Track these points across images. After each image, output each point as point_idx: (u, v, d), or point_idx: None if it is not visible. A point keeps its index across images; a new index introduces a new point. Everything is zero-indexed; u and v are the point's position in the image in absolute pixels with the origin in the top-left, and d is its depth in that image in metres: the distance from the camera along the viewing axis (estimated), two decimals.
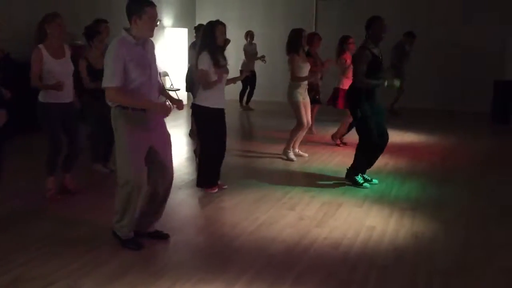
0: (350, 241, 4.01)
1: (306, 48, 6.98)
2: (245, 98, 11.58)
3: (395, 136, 8.19)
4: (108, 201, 4.68)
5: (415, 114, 11.09)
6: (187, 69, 8.28)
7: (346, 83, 7.14)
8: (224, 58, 5.13)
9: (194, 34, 8.47)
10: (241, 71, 5.45)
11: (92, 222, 4.33)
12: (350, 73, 6.70)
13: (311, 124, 8.40)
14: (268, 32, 12.44)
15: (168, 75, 12.09)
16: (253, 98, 11.64)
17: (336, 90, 7.50)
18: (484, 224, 4.52)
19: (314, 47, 7.50)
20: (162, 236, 4.01)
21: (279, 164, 6.54)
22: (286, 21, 12.09)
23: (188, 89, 7.79)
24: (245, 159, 6.86)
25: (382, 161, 6.45)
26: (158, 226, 4.05)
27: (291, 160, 6.63)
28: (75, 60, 5.05)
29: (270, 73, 12.01)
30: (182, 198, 5.07)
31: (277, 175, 5.99)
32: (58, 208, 4.69)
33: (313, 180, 5.76)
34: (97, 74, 5.32)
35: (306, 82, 6.56)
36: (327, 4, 12.39)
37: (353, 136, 7.61)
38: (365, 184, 5.43)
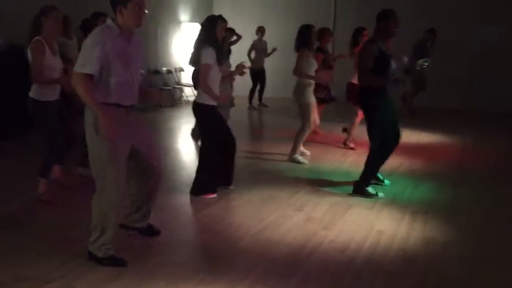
0: (357, 245, 3.88)
1: (316, 45, 6.83)
2: (256, 95, 11.40)
3: (411, 136, 8.02)
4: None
5: (433, 113, 10.84)
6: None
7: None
8: (227, 55, 4.98)
9: None
10: (237, 66, 5.20)
11: (86, 222, 4.09)
12: None
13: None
14: (284, 28, 12.27)
15: (183, 71, 12.05)
16: (264, 95, 11.44)
17: (350, 85, 7.24)
18: (499, 230, 4.34)
19: (325, 43, 7.29)
20: (153, 233, 3.88)
21: (289, 164, 6.41)
22: (303, 17, 11.82)
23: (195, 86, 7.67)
24: (254, 158, 6.74)
25: (397, 162, 6.30)
26: (158, 225, 3.97)
27: (302, 163, 6.39)
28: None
29: (282, 70, 11.77)
30: (187, 198, 4.97)
31: (286, 175, 5.87)
32: (53, 208, 4.56)
33: (323, 181, 5.63)
34: None
35: (313, 81, 6.34)
36: None
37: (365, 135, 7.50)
38: (380, 194, 5.07)
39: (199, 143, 6.31)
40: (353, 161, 6.47)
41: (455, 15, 11.37)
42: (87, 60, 3.17)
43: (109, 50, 3.20)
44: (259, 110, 11.16)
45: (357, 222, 4.38)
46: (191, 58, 4.96)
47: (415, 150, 7.14)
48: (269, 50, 10.96)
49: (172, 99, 11.35)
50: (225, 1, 13.27)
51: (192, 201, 4.87)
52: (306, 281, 3.31)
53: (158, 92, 3.59)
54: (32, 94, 4.49)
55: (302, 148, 6.72)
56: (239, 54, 10.19)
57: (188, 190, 5.02)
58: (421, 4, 11.50)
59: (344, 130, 7.41)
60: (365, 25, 7.16)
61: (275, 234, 4.07)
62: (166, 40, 11.85)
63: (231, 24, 9.40)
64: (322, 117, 7.88)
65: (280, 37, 11.74)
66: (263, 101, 11.42)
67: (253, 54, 10.97)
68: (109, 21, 3.31)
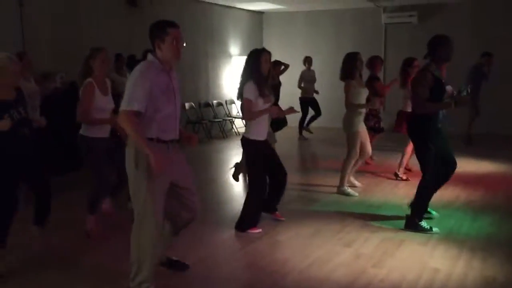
0: (409, 285, 3.65)
1: (368, 73, 6.75)
2: (305, 121, 11.25)
3: (470, 165, 7.63)
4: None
5: (493, 141, 10.32)
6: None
7: (410, 107, 6.77)
8: (274, 89, 4.94)
9: None
10: (289, 109, 5.11)
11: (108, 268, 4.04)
12: None
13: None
14: (333, 58, 12.18)
15: (234, 103, 12.19)
16: (312, 124, 11.26)
17: (401, 114, 7.07)
18: None
19: (377, 70, 7.31)
20: (182, 267, 3.81)
21: (338, 196, 6.22)
22: (354, 47, 11.71)
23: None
24: (303, 189, 6.61)
25: (453, 194, 6.00)
26: (202, 259, 3.91)
27: (350, 195, 6.19)
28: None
29: (330, 100, 11.70)
30: (234, 232, 4.89)
31: (334, 209, 5.68)
32: (98, 245, 4.56)
33: (373, 215, 5.40)
34: None
35: (363, 110, 6.21)
36: (397, 27, 12.01)
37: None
38: (434, 229, 4.81)
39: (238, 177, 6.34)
40: (405, 194, 6.20)
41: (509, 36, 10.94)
42: (133, 97, 3.15)
43: (153, 85, 3.19)
44: (306, 141, 10.99)
45: (409, 259, 4.15)
46: (238, 92, 4.97)
47: (473, 181, 6.78)
48: (317, 79, 10.94)
49: (223, 131, 11.46)
50: (274, 34, 13.41)
51: (237, 236, 4.79)
52: None
53: (197, 138, 3.55)
54: (81, 130, 4.61)
55: (352, 179, 6.55)
56: (289, 85, 10.20)
57: (233, 224, 4.95)
58: (470, 29, 11.16)
59: (396, 175, 7.11)
60: (415, 53, 7.01)
61: (322, 271, 3.91)
62: (217, 73, 12.05)
63: (281, 56, 9.51)
64: (376, 147, 7.71)
65: (331, 66, 11.68)
66: (309, 126, 11.25)
67: (302, 84, 10.97)
68: (150, 56, 3.32)
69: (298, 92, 10.92)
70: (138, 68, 3.26)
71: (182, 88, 3.65)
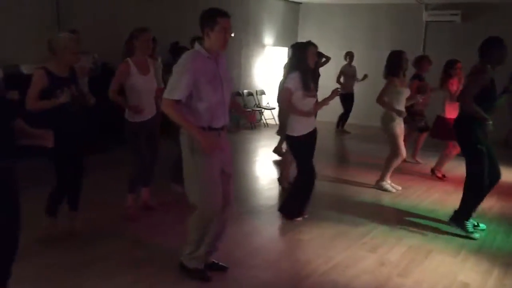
0: None
1: (414, 72, 6.60)
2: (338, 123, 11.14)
3: (505, 173, 7.27)
4: (179, 224, 4.57)
5: None
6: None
7: (450, 112, 6.54)
8: (315, 82, 4.87)
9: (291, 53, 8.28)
10: (332, 91, 4.99)
11: (161, 244, 4.20)
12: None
13: (415, 154, 7.83)
14: (371, 54, 11.89)
15: (264, 94, 12.02)
16: (349, 121, 11.14)
17: (439, 119, 6.83)
18: None
19: (423, 70, 7.14)
20: (220, 268, 3.74)
21: (367, 195, 6.03)
22: (391, 44, 11.45)
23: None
24: (332, 186, 6.42)
25: (487, 204, 5.69)
26: (222, 255, 3.80)
27: (388, 191, 6.11)
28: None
29: (370, 97, 11.42)
30: (256, 226, 4.79)
31: (362, 209, 5.49)
32: (131, 226, 4.62)
33: (402, 219, 5.19)
34: None
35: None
36: (438, 26, 11.60)
37: (454, 170, 6.95)
38: (475, 234, 4.66)
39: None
40: (438, 199, 5.97)
41: None
42: (176, 86, 3.21)
43: (199, 75, 3.22)
44: (345, 136, 10.79)
45: (438, 270, 3.94)
46: (279, 85, 4.90)
47: (507, 191, 6.46)
48: (357, 76, 10.72)
49: (251, 121, 11.30)
50: (310, 26, 13.14)
51: (257, 233, 4.65)
52: None
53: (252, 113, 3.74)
54: (126, 115, 4.64)
55: (390, 182, 6.36)
56: (326, 78, 9.99)
57: (256, 216, 4.85)
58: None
59: (432, 171, 7.06)
60: (456, 54, 6.76)
61: (344, 276, 3.75)
62: (250, 63, 11.89)
63: (319, 46, 9.24)
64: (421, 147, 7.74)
65: (366, 62, 11.40)
66: (345, 127, 11.13)
67: (342, 79, 10.76)
68: (197, 45, 3.35)
69: (333, 86, 10.68)
70: (184, 57, 3.30)
71: None
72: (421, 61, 7.18)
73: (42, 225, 4.15)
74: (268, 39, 12.40)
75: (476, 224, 4.88)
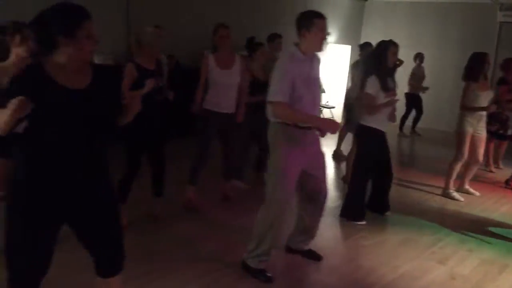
0: None
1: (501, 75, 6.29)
2: (408, 123, 10.70)
3: None
4: (239, 219, 4.51)
5: None
6: (346, 89, 7.83)
7: None
8: (393, 81, 4.75)
9: (359, 52, 8.03)
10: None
11: (220, 240, 4.16)
12: None
13: (489, 162, 7.41)
14: (438, 54, 11.41)
15: (324, 92, 11.79)
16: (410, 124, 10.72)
17: None
18: None
19: (511, 74, 6.71)
20: (315, 257, 3.89)
21: (436, 201, 5.74)
22: (461, 44, 11.00)
23: (346, 109, 7.36)
24: (398, 190, 6.07)
25: None
26: (277, 258, 3.70)
27: (456, 199, 5.80)
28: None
29: (437, 100, 11.00)
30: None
31: (430, 216, 5.22)
32: (190, 219, 4.60)
33: (472, 229, 4.88)
34: (259, 87, 5.22)
35: (483, 113, 5.65)
36: None
37: None
38: None
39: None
40: (509, 211, 5.59)
41: None
42: (278, 90, 3.31)
43: (296, 77, 3.31)
44: (411, 138, 10.42)
45: None
46: (360, 82, 4.81)
47: None
48: (426, 76, 10.31)
49: None
50: (375, 24, 12.78)
51: (319, 233, 4.48)
52: None
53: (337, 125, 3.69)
54: (204, 103, 4.73)
55: (467, 187, 6.08)
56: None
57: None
58: None
59: (507, 182, 6.66)
60: None
61: None
62: None
63: None
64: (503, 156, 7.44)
65: (434, 63, 10.95)
66: (416, 129, 10.74)
67: (412, 81, 10.41)
68: (293, 47, 3.42)
69: (401, 87, 10.34)
70: (282, 60, 3.41)
71: None
72: (510, 64, 6.71)
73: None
74: (330, 36, 12.16)
75: None
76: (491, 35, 11.26)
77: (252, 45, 5.67)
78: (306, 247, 3.93)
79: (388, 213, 5.08)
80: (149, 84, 3.89)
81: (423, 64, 10.44)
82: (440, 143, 9.47)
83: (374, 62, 4.68)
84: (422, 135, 10.49)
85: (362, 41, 8.27)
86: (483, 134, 5.72)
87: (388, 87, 4.63)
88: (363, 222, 4.79)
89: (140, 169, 4.23)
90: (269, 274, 3.52)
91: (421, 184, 6.49)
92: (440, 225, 4.94)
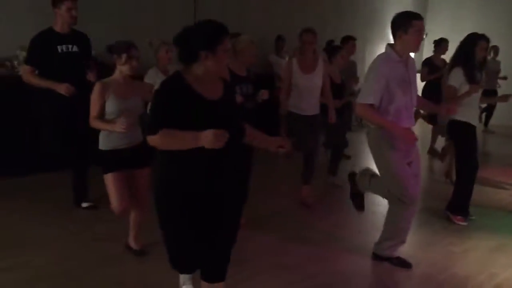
0: None
1: None
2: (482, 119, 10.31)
3: None
4: (320, 225, 4.46)
5: None
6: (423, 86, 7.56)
7: None
8: (481, 74, 4.64)
9: (433, 49, 7.78)
10: (502, 96, 5.17)
11: (319, 241, 4.19)
12: None
13: None
14: (510, 47, 10.87)
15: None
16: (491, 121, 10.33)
17: None
18: None
19: None
20: (405, 265, 3.76)
21: None
22: None
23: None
24: (479, 189, 5.50)
25: None
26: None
27: None
28: None
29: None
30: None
31: None
32: (273, 226, 4.58)
33: None
34: (335, 91, 5.21)
35: None
36: None
37: None
38: None
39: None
40: None
41: None
42: (370, 91, 3.34)
43: (390, 79, 3.31)
44: (484, 136, 9.99)
45: None
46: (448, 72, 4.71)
47: None
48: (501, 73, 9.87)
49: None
50: (439, 20, 12.34)
51: (410, 238, 4.34)
52: None
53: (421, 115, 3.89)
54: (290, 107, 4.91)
55: None
56: None
57: None
58: None
59: None
60: None
61: None
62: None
63: (450, 40, 8.58)
64: None
65: (505, 59, 10.45)
66: (488, 126, 10.32)
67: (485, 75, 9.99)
68: (388, 49, 3.42)
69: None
70: (375, 62, 3.43)
71: None
72: None
73: None
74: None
75: None
76: None
77: (331, 48, 5.66)
78: (395, 254, 3.81)
79: (473, 217, 4.85)
80: (263, 95, 4.04)
81: (498, 58, 9.97)
82: None
83: (462, 55, 4.52)
84: (500, 132, 10.07)
85: (437, 37, 7.94)
86: None
87: (474, 80, 4.46)
88: (465, 223, 4.70)
89: None
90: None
91: (503, 183, 6.19)
92: None
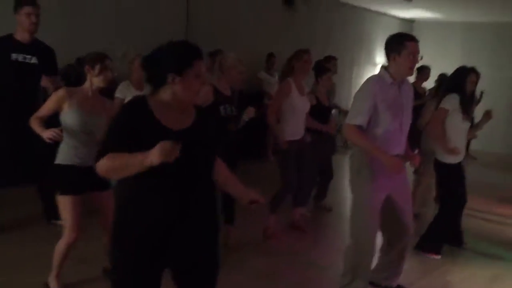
0: None
1: None
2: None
3: None
4: (313, 249, 4.33)
5: None
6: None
7: None
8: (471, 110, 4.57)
9: (415, 76, 7.76)
10: (485, 114, 4.84)
11: (296, 273, 3.98)
12: None
13: None
14: (493, 74, 11.07)
15: None
16: (472, 147, 10.28)
17: None
18: None
19: None
20: None
21: None
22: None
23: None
24: (471, 219, 5.59)
25: None
26: None
27: None
28: None
29: (490, 121, 10.61)
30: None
31: None
32: (272, 248, 4.47)
33: None
34: (321, 112, 5.11)
35: None
36: None
37: None
38: None
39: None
40: None
41: None
42: (358, 112, 3.20)
43: (379, 101, 3.17)
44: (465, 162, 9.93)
45: None
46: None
47: None
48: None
49: None
50: (424, 44, 12.46)
51: (408, 269, 4.20)
52: None
53: (418, 159, 3.50)
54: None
55: None
56: None
57: None
58: None
59: None
60: None
61: None
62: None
63: (432, 69, 8.57)
64: None
65: (488, 83, 10.61)
66: (469, 151, 10.30)
67: None
68: (382, 71, 3.30)
69: None
70: (367, 82, 3.31)
71: None
72: None
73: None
74: (379, 57, 12.00)
75: None
76: None
77: (319, 69, 5.56)
78: (394, 284, 3.70)
79: (465, 245, 4.78)
80: (249, 113, 3.84)
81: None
82: (495, 166, 9.06)
83: (453, 83, 4.41)
84: (477, 158, 10.13)
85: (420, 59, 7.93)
86: None
87: (467, 110, 4.33)
88: (438, 257, 4.49)
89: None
90: None
91: (490, 213, 6.16)
92: None
